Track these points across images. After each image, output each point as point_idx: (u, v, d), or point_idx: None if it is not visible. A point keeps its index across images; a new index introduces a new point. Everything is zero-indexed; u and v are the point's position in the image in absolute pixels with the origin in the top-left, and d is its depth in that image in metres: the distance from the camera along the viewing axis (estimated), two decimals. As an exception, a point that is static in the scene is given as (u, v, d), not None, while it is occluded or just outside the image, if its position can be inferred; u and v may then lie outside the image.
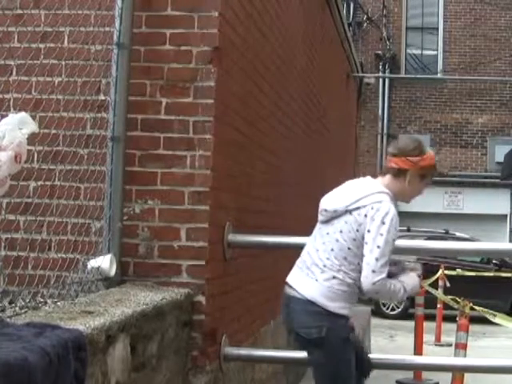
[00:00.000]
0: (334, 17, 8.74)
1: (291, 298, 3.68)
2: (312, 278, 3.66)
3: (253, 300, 4.77)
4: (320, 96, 7.68)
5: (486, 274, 14.03)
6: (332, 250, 3.66)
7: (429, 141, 19.97)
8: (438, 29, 20.56)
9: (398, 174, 3.75)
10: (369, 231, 3.59)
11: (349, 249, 3.64)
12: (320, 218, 3.82)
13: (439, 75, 20.26)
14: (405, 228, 15.46)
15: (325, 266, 3.65)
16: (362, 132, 19.98)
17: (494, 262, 14.46)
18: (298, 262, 3.82)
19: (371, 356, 4.16)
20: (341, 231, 3.68)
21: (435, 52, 20.58)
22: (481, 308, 7.13)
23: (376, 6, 20.60)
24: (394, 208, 3.67)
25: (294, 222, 6.24)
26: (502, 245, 4.30)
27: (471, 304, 6.72)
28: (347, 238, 3.65)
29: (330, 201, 3.81)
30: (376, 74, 19.65)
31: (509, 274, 14.23)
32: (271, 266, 5.35)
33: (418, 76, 20.24)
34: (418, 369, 5.15)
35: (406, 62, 20.88)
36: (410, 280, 3.73)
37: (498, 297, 13.75)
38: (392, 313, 15.04)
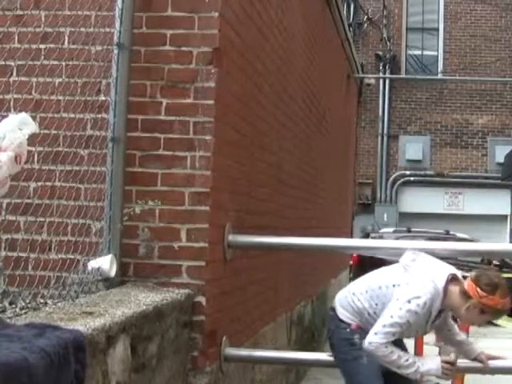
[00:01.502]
0: (334, 17, 8.74)
1: None
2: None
3: (253, 301, 4.77)
4: (320, 96, 7.68)
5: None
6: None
7: (429, 142, 19.99)
8: (438, 29, 20.56)
9: (464, 294, 3.87)
10: (397, 299, 3.85)
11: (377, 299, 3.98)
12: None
13: (439, 76, 20.27)
14: (405, 229, 15.48)
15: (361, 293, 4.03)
16: (362, 132, 19.98)
17: (494, 262, 14.45)
18: None
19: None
20: (392, 283, 3.97)
21: (435, 53, 20.59)
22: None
23: (376, 7, 20.60)
24: (428, 301, 3.82)
25: (294, 223, 6.24)
26: (503, 245, 4.29)
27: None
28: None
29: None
30: (376, 75, 19.67)
31: (509, 275, 14.22)
32: (271, 267, 5.35)
33: (419, 77, 20.24)
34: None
35: (407, 62, 20.89)
36: (430, 362, 3.86)
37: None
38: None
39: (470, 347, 4.14)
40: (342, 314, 4.09)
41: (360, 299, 4.03)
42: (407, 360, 3.82)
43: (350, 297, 4.07)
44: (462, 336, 4.21)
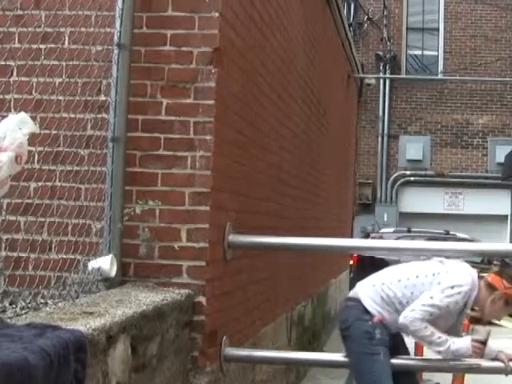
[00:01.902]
0: (334, 17, 8.74)
1: None
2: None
3: (253, 301, 4.77)
4: (320, 96, 7.68)
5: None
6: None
7: (429, 142, 19.99)
8: (438, 29, 20.56)
9: (489, 287, 4.11)
10: (439, 283, 4.00)
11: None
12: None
13: (440, 76, 20.26)
14: (405, 229, 15.47)
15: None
16: (362, 132, 19.98)
17: (494, 262, 14.45)
18: None
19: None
20: (417, 276, 4.08)
21: (436, 53, 20.58)
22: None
23: (377, 7, 20.60)
24: (468, 291, 4.02)
25: (294, 223, 6.24)
26: (503, 245, 4.29)
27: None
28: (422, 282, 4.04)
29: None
30: (376, 75, 19.65)
31: (509, 275, 14.20)
32: (272, 267, 5.35)
33: (419, 77, 20.25)
34: (418, 369, 5.14)
35: (407, 62, 20.88)
36: (461, 341, 4.00)
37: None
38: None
39: (487, 347, 4.17)
40: (369, 304, 4.08)
41: (391, 288, 4.07)
42: (440, 337, 3.92)
43: (380, 286, 4.10)
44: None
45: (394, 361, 4.16)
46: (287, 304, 6.10)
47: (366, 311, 4.09)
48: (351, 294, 4.27)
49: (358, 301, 4.15)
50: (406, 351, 4.33)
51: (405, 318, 3.92)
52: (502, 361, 4.07)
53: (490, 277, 4.13)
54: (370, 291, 4.13)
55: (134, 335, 2.87)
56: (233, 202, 4.11)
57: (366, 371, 4.02)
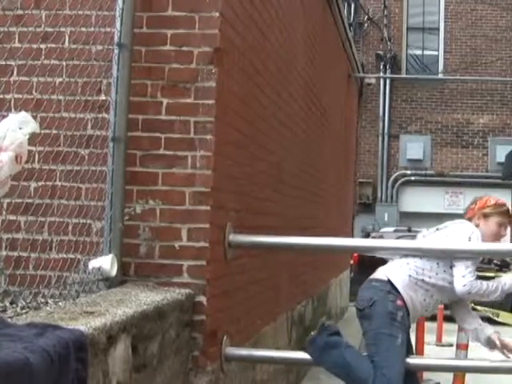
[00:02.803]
0: (334, 17, 8.74)
1: None
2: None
3: (254, 300, 4.77)
4: (320, 96, 7.68)
5: (487, 274, 14.01)
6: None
7: (430, 141, 19.98)
8: (438, 29, 20.55)
9: (470, 220, 4.47)
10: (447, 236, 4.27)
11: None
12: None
13: (440, 75, 20.26)
14: (405, 228, 15.47)
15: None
16: (362, 132, 19.98)
17: (494, 262, 14.45)
18: None
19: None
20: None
21: (436, 52, 20.58)
22: (483, 308, 7.13)
23: (377, 7, 20.59)
24: (479, 232, 4.32)
25: (294, 222, 6.24)
26: (503, 245, 4.29)
27: (473, 304, 6.72)
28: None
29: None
30: (377, 75, 19.65)
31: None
32: (272, 267, 5.35)
33: (419, 76, 20.24)
34: (419, 369, 5.13)
35: (407, 62, 20.88)
36: (508, 279, 4.29)
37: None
38: (393, 313, 15.00)
39: (483, 326, 4.39)
40: (398, 283, 4.19)
41: (418, 265, 4.23)
42: (492, 285, 4.20)
43: (406, 266, 4.25)
44: (473, 314, 4.53)
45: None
46: (288, 304, 6.10)
47: (391, 292, 4.16)
48: (376, 275, 4.33)
49: (384, 281, 4.22)
50: (411, 349, 4.37)
51: (464, 286, 4.12)
52: (494, 340, 4.26)
53: (465, 217, 4.50)
54: (397, 272, 4.24)
55: (134, 335, 2.87)
56: (233, 202, 4.11)
57: (381, 350, 4.03)
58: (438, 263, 4.23)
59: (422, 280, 4.21)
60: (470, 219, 4.48)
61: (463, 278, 4.14)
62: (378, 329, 4.09)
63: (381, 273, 4.32)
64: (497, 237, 4.48)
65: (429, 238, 4.44)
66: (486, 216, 4.44)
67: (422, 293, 4.21)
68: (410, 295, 4.18)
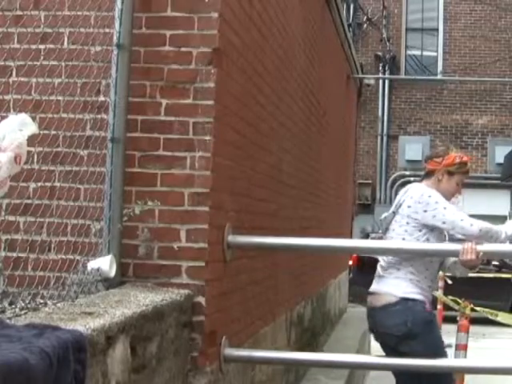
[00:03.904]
0: (333, 18, 8.74)
1: None
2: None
3: (253, 301, 4.77)
4: (320, 97, 7.68)
5: (486, 275, 14.02)
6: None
7: (429, 142, 19.99)
8: (437, 30, 20.58)
9: (428, 175, 4.45)
10: (425, 211, 4.22)
11: (403, 239, 4.29)
12: (381, 230, 4.55)
13: (439, 76, 20.28)
14: (405, 229, 15.46)
15: (389, 263, 4.31)
16: (361, 133, 20.00)
17: (493, 263, 14.45)
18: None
19: (371, 357, 4.19)
20: (393, 230, 4.35)
21: (435, 53, 20.60)
22: (482, 308, 7.13)
23: (376, 7, 20.62)
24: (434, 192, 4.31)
25: (293, 223, 6.24)
26: (502, 246, 4.28)
27: (472, 305, 6.72)
28: (400, 232, 4.29)
29: (383, 214, 4.52)
30: (376, 75, 19.67)
31: (509, 275, 14.23)
32: (271, 267, 5.35)
33: (418, 77, 20.27)
34: (418, 369, 5.13)
35: (406, 63, 20.90)
36: (509, 226, 4.35)
37: (498, 298, 13.75)
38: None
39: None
40: (408, 292, 4.21)
41: (395, 262, 4.25)
42: (497, 228, 4.25)
43: (395, 272, 4.26)
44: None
45: (394, 361, 4.17)
46: (287, 304, 6.10)
47: (415, 305, 4.23)
48: (383, 300, 4.33)
49: (397, 301, 4.25)
50: None
51: (472, 226, 4.11)
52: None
53: (426, 168, 4.48)
54: (397, 284, 4.27)
55: (133, 335, 2.87)
56: (232, 203, 4.11)
57: (433, 345, 4.23)
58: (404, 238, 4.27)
59: (412, 272, 4.24)
60: (431, 172, 4.43)
61: (462, 229, 4.13)
62: (428, 344, 4.21)
63: (384, 296, 4.31)
64: (454, 195, 4.52)
65: (398, 217, 4.36)
66: (450, 174, 4.43)
67: (425, 277, 4.26)
68: (422, 292, 4.24)
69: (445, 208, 4.22)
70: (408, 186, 4.49)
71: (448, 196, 4.40)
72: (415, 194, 4.31)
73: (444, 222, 4.20)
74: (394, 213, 4.39)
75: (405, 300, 4.23)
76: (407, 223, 4.30)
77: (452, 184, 4.46)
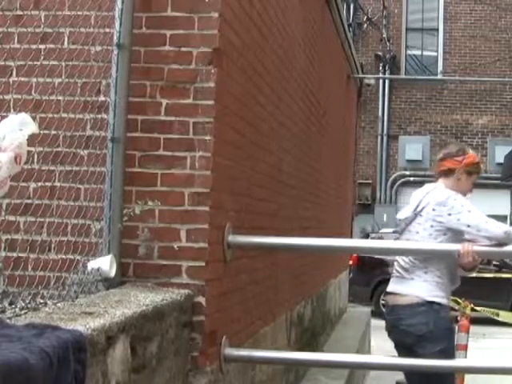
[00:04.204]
0: (334, 17, 8.74)
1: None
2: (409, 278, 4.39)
3: (253, 301, 4.77)
4: (320, 97, 7.68)
5: (486, 275, 14.03)
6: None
7: (429, 142, 19.99)
8: (438, 30, 20.58)
9: (448, 173, 4.49)
10: (450, 214, 4.26)
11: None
12: (398, 230, 4.57)
13: (439, 76, 20.28)
14: (405, 229, 15.47)
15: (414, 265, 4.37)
16: (361, 133, 20.00)
17: (494, 263, 14.45)
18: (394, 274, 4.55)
19: (371, 357, 4.21)
20: (417, 232, 4.37)
21: (435, 53, 20.60)
22: (483, 308, 7.14)
23: (376, 7, 20.62)
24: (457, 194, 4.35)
25: (294, 223, 6.24)
26: (503, 247, 4.29)
27: (472, 305, 6.73)
28: (424, 235, 4.32)
29: (401, 212, 4.58)
30: (376, 75, 19.67)
31: (509, 275, 14.23)
32: (271, 267, 5.35)
33: (418, 77, 20.27)
34: (418, 370, 5.13)
35: (406, 63, 20.90)
36: None
37: (498, 298, 13.75)
38: (392, 314, 15.01)
39: None
40: (434, 295, 4.30)
41: (425, 264, 4.30)
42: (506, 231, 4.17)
43: (423, 275, 4.31)
44: None
45: (394, 361, 4.17)
46: (287, 304, 6.10)
47: (441, 309, 4.32)
48: (407, 300, 4.40)
49: (424, 303, 4.34)
50: None
51: (497, 228, 4.10)
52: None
53: (441, 166, 4.54)
54: (422, 287, 4.34)
55: (133, 335, 2.87)
56: (232, 203, 4.11)
57: (448, 354, 4.31)
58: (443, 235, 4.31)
59: (438, 276, 4.32)
60: (450, 170, 4.47)
61: (497, 228, 4.14)
62: (441, 349, 4.29)
63: (410, 297, 4.38)
64: (467, 194, 4.55)
65: (421, 219, 4.40)
66: (469, 173, 4.47)
67: (448, 280, 4.35)
68: (447, 295, 4.37)
69: (469, 211, 4.24)
70: (428, 188, 4.50)
71: (463, 195, 4.46)
72: (440, 197, 4.34)
73: (469, 226, 4.22)
74: (416, 214, 4.42)
75: (431, 303, 4.32)
76: (431, 226, 4.35)
77: (469, 183, 4.50)
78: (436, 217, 4.32)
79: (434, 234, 4.32)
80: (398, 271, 4.49)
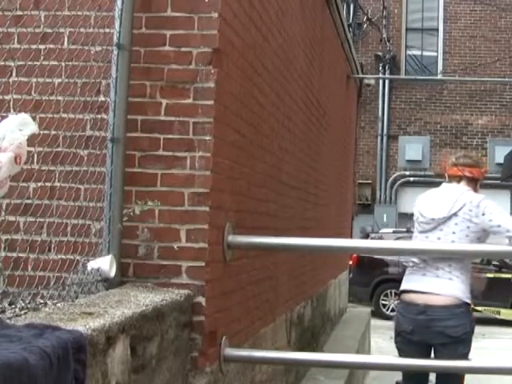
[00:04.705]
0: (334, 18, 8.74)
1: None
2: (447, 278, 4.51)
3: (253, 301, 4.77)
4: (320, 97, 7.68)
5: (486, 275, 14.03)
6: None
7: (429, 142, 19.99)
8: (437, 30, 20.58)
9: (472, 181, 4.71)
10: (484, 214, 4.47)
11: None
12: (422, 227, 4.71)
13: (439, 76, 20.28)
14: (404, 229, 15.48)
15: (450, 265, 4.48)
16: (361, 133, 20.00)
17: (494, 263, 14.45)
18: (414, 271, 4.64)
19: (371, 357, 4.22)
20: (453, 233, 4.49)
21: (435, 53, 20.60)
22: (484, 307, 7.14)
23: (376, 7, 20.61)
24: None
25: (294, 223, 6.24)
26: (502, 246, 4.28)
27: (473, 305, 6.72)
28: (461, 236, 4.47)
29: (431, 211, 4.65)
30: (376, 75, 19.66)
31: (509, 276, 14.23)
32: (271, 267, 5.35)
33: (418, 77, 20.26)
34: (418, 370, 5.13)
35: (406, 63, 20.90)
36: None
37: (498, 298, 13.74)
38: (392, 314, 15.02)
39: None
40: (469, 298, 4.52)
41: (461, 266, 4.47)
42: None
43: (460, 277, 4.46)
44: None
45: (394, 361, 4.16)
46: (287, 304, 6.10)
47: (471, 313, 4.53)
48: (447, 301, 4.48)
49: (463, 305, 4.47)
50: None
51: None
52: None
53: (467, 172, 4.68)
54: (462, 288, 4.47)
55: (133, 336, 2.87)
56: (232, 203, 4.11)
57: (467, 353, 4.49)
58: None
59: (470, 278, 4.55)
60: (473, 179, 4.69)
61: None
62: (468, 350, 4.48)
63: (447, 298, 4.47)
64: None
65: (457, 219, 4.52)
66: (480, 184, 4.78)
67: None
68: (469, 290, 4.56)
69: (501, 212, 4.51)
70: (460, 189, 4.65)
71: None
72: (475, 199, 4.54)
73: (499, 226, 4.43)
74: (452, 215, 4.55)
75: (467, 305, 4.47)
76: (468, 227, 4.51)
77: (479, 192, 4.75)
78: (473, 218, 4.49)
79: (470, 236, 4.50)
80: (426, 269, 4.52)
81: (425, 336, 4.54)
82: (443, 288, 4.47)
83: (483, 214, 4.49)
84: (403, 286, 4.71)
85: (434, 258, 4.49)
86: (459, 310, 4.44)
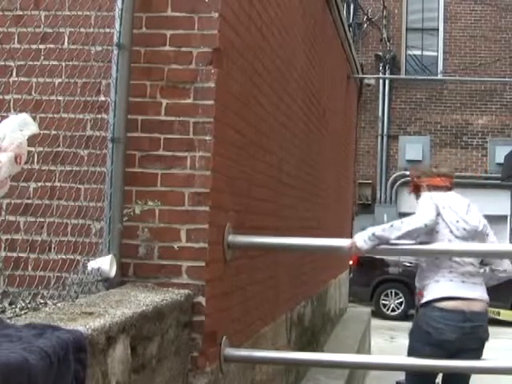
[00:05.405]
0: (334, 17, 8.74)
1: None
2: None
3: (253, 301, 4.77)
4: (320, 97, 7.68)
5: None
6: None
7: (429, 142, 19.99)
8: (438, 30, 20.57)
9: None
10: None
11: None
12: (462, 233, 4.70)
13: (439, 76, 20.28)
14: (405, 229, 15.46)
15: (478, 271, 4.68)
16: (362, 133, 20.00)
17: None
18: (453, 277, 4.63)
19: (371, 357, 4.21)
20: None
21: (435, 53, 20.59)
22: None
23: (376, 7, 20.61)
24: None
25: (294, 223, 6.24)
26: (502, 246, 4.29)
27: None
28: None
29: (470, 220, 4.76)
30: (376, 75, 19.66)
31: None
32: (271, 267, 5.35)
33: (418, 77, 20.26)
34: (418, 370, 5.13)
35: (407, 63, 20.89)
36: None
37: (498, 298, 13.72)
38: (392, 314, 15.04)
39: None
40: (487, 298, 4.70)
41: (479, 271, 4.70)
42: None
43: (482, 280, 4.66)
44: None
45: (394, 361, 4.16)
46: (287, 304, 6.10)
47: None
48: (482, 307, 4.59)
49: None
50: None
51: None
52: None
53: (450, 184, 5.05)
54: (485, 290, 4.64)
55: (133, 335, 2.87)
56: (232, 203, 4.11)
57: None
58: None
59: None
60: (449, 189, 4.98)
61: None
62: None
63: (483, 303, 4.62)
64: None
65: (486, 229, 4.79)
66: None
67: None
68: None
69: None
70: (471, 204, 4.85)
71: None
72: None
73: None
74: (483, 228, 4.80)
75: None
76: (487, 235, 4.84)
77: None
78: (487, 229, 4.82)
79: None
80: (468, 277, 4.59)
81: (465, 343, 4.43)
82: (479, 293, 4.60)
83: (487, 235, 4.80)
84: (442, 293, 4.50)
85: (466, 263, 4.58)
86: (487, 314, 4.65)
